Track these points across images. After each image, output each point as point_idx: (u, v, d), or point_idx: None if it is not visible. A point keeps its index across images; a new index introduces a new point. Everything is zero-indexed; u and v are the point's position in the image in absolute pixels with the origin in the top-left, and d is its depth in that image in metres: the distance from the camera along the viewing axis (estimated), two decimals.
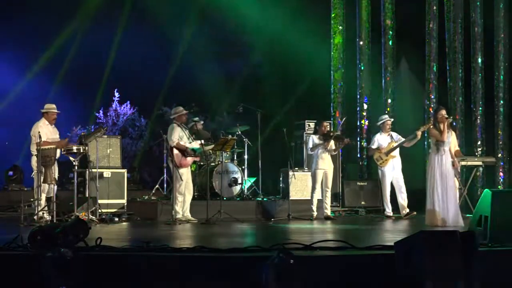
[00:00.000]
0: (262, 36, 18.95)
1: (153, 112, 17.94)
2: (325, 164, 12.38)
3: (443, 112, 10.83)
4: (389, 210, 12.73)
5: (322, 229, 10.81)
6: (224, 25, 19.42)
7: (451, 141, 12.64)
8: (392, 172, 12.69)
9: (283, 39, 17.78)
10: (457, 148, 12.90)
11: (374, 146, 12.90)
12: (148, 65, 17.69)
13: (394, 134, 12.90)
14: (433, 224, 10.43)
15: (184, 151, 11.47)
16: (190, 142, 11.62)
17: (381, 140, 12.86)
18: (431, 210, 10.57)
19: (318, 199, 12.44)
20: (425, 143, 14.44)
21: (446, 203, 10.46)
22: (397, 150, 12.75)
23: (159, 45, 17.95)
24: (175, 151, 11.43)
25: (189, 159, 11.61)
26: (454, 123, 13.28)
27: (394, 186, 12.70)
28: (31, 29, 16.86)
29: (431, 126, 10.87)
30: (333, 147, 12.51)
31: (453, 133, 13.02)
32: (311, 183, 12.55)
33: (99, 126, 15.66)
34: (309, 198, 12.58)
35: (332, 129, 13.23)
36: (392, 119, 13.07)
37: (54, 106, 11.42)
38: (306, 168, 13.59)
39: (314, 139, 12.50)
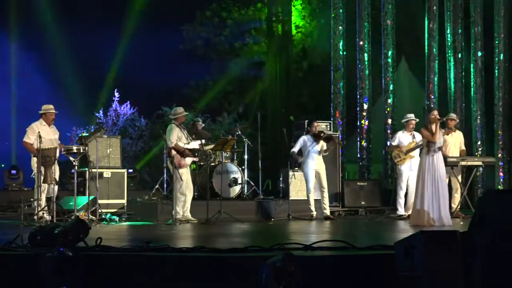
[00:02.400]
0: (263, 36, 18.99)
1: (153, 112, 17.95)
2: (316, 165, 12.29)
3: (435, 113, 10.84)
4: (401, 210, 12.46)
5: (322, 229, 10.81)
6: (225, 25, 19.48)
7: (456, 141, 12.65)
8: (409, 172, 12.42)
9: (283, 38, 17.82)
10: (463, 148, 12.87)
11: (394, 143, 12.65)
12: (148, 65, 17.70)
13: (417, 135, 12.61)
14: (419, 224, 10.39)
15: (182, 152, 11.46)
16: (188, 143, 11.61)
17: (403, 138, 12.59)
18: (418, 210, 10.56)
19: (315, 199, 12.41)
20: None
21: (438, 203, 10.44)
22: (417, 151, 12.58)
23: (159, 45, 17.97)
24: (174, 152, 11.42)
25: (188, 160, 11.60)
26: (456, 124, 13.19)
27: (408, 186, 12.52)
28: (31, 29, 16.88)
29: (423, 127, 10.86)
30: (324, 148, 12.44)
31: (460, 133, 13.02)
32: (306, 184, 12.49)
33: (99, 126, 15.68)
34: None
35: (328, 130, 13.20)
36: (417, 120, 12.85)
37: (51, 106, 11.38)
38: None
39: (305, 140, 12.39)
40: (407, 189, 12.48)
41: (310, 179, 12.27)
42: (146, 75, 17.59)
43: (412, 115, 12.84)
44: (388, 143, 14.67)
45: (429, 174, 10.55)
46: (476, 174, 14.05)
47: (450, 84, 15.45)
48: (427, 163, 10.61)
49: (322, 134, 12.46)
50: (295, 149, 12.39)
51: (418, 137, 12.59)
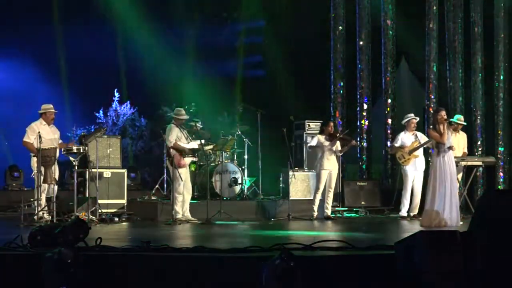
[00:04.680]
0: (262, 36, 18.98)
1: (153, 112, 17.94)
2: (331, 165, 12.29)
3: (443, 113, 10.77)
4: (404, 211, 12.47)
5: (322, 229, 10.81)
6: (224, 25, 19.46)
7: (460, 142, 12.60)
8: (415, 172, 12.43)
9: (283, 38, 17.81)
10: (465, 150, 12.82)
11: (397, 144, 12.61)
12: (149, 65, 17.69)
13: (419, 134, 12.60)
14: (430, 225, 10.38)
15: (181, 151, 11.46)
16: (188, 143, 11.62)
17: (405, 138, 12.56)
18: (429, 211, 10.54)
19: (320, 199, 12.39)
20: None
21: (449, 204, 10.41)
22: (421, 150, 12.52)
23: (159, 45, 17.95)
24: (173, 152, 11.43)
25: (187, 159, 11.60)
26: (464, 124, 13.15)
27: (413, 186, 12.47)
28: (32, 29, 16.87)
29: (431, 127, 10.83)
30: (339, 148, 12.42)
31: (464, 135, 12.97)
32: (315, 183, 12.48)
33: (99, 126, 15.68)
34: (309, 198, 12.56)
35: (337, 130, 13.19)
36: (418, 118, 12.78)
37: (51, 106, 11.41)
38: (306, 168, 13.59)
39: (320, 139, 12.39)
40: (412, 190, 12.45)
41: (322, 179, 12.26)
42: (146, 75, 17.58)
43: (412, 114, 12.82)
44: (389, 143, 14.65)
45: (440, 175, 10.47)
46: (476, 174, 14.04)
47: (450, 84, 15.44)
48: (438, 164, 10.53)
49: (338, 134, 12.46)
50: (312, 143, 12.36)
51: (420, 136, 12.57)
